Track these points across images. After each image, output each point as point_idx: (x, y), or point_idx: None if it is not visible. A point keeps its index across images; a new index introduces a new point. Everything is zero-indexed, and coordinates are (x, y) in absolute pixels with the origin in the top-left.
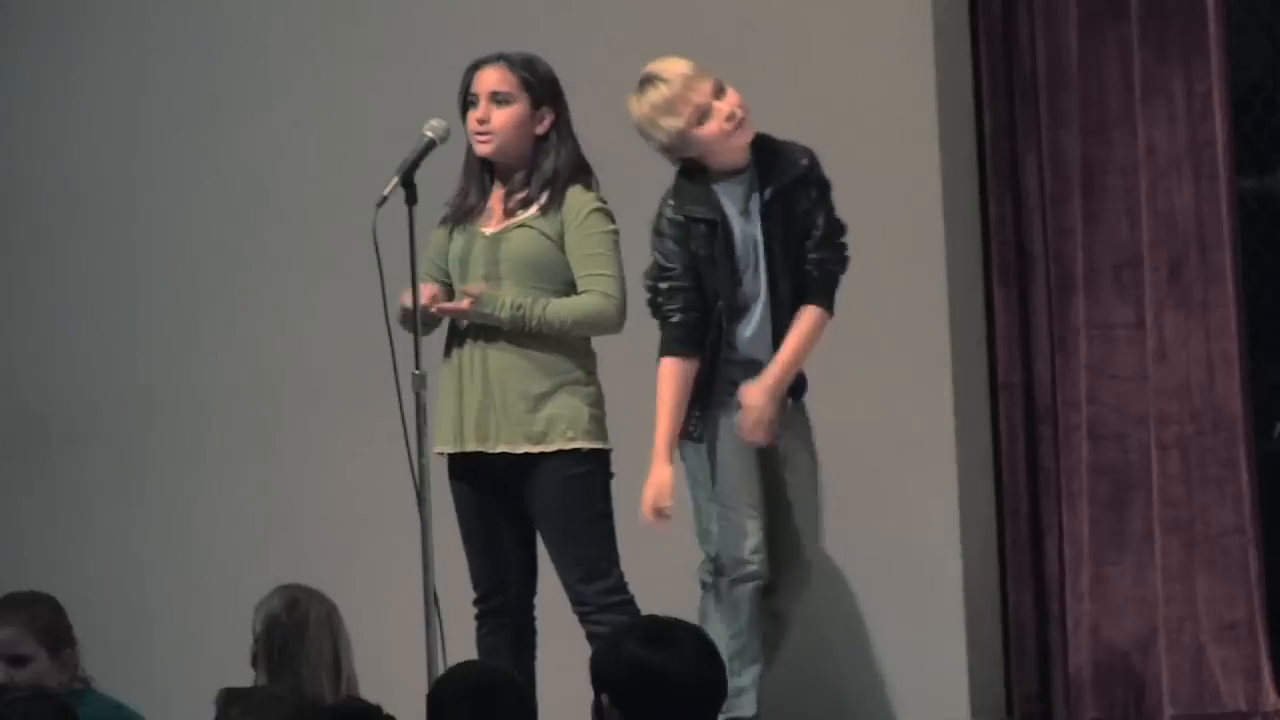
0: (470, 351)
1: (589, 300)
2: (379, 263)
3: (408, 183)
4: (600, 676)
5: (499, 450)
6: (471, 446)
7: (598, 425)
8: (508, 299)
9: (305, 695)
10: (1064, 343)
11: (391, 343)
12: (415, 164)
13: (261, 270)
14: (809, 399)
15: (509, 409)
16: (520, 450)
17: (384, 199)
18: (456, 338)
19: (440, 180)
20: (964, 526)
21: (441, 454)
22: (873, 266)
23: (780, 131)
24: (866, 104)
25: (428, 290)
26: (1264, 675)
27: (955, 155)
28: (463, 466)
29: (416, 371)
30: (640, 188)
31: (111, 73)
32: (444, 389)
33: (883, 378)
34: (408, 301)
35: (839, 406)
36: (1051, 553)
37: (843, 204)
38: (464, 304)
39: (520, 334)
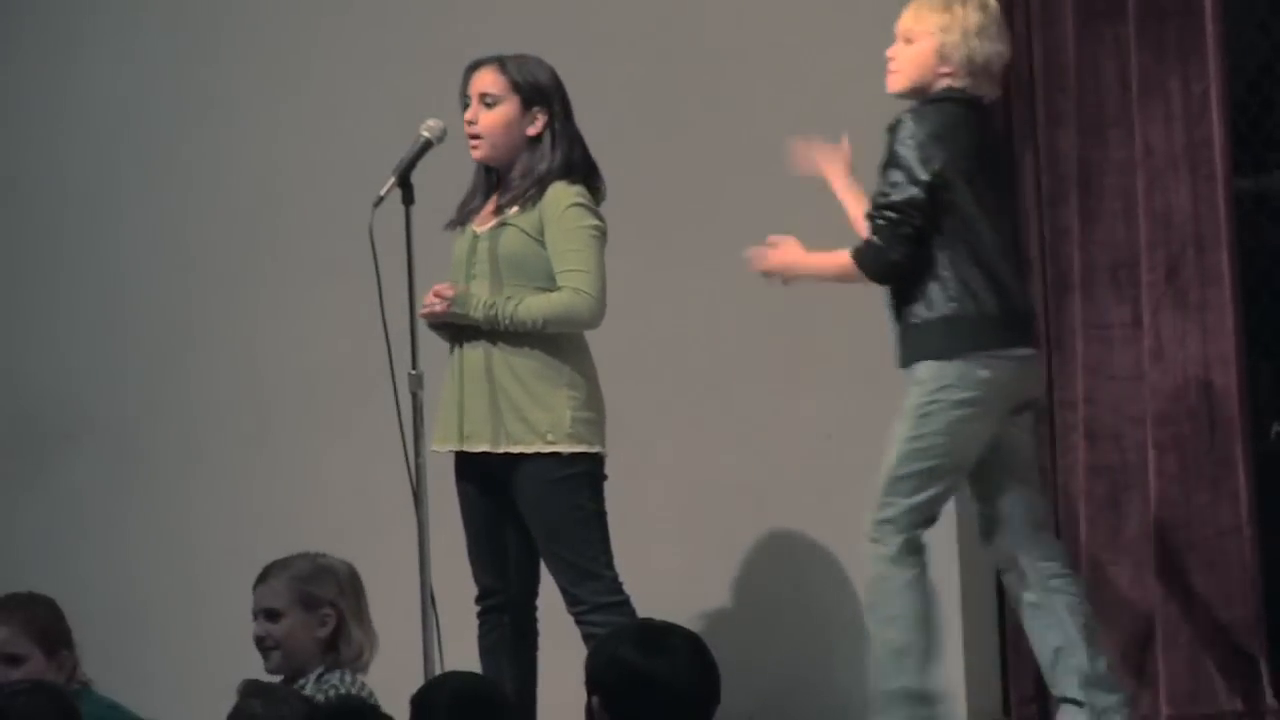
0: (460, 352)
1: (560, 296)
2: (376, 263)
3: (405, 183)
4: (593, 678)
5: (480, 450)
6: (458, 446)
7: (584, 427)
8: (481, 299)
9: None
10: (1061, 343)
11: (388, 342)
12: (412, 164)
13: (258, 270)
14: (807, 397)
15: (491, 409)
16: (500, 450)
17: (380, 199)
18: (454, 339)
19: (437, 180)
20: (960, 527)
21: (437, 451)
22: None
23: (775, 131)
24: (863, 104)
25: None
26: (1261, 676)
27: None
28: (466, 464)
29: (413, 371)
30: (634, 186)
31: (106, 73)
32: (443, 389)
33: (879, 377)
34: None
35: (835, 406)
36: None
37: (838, 203)
38: (440, 307)
39: (505, 334)
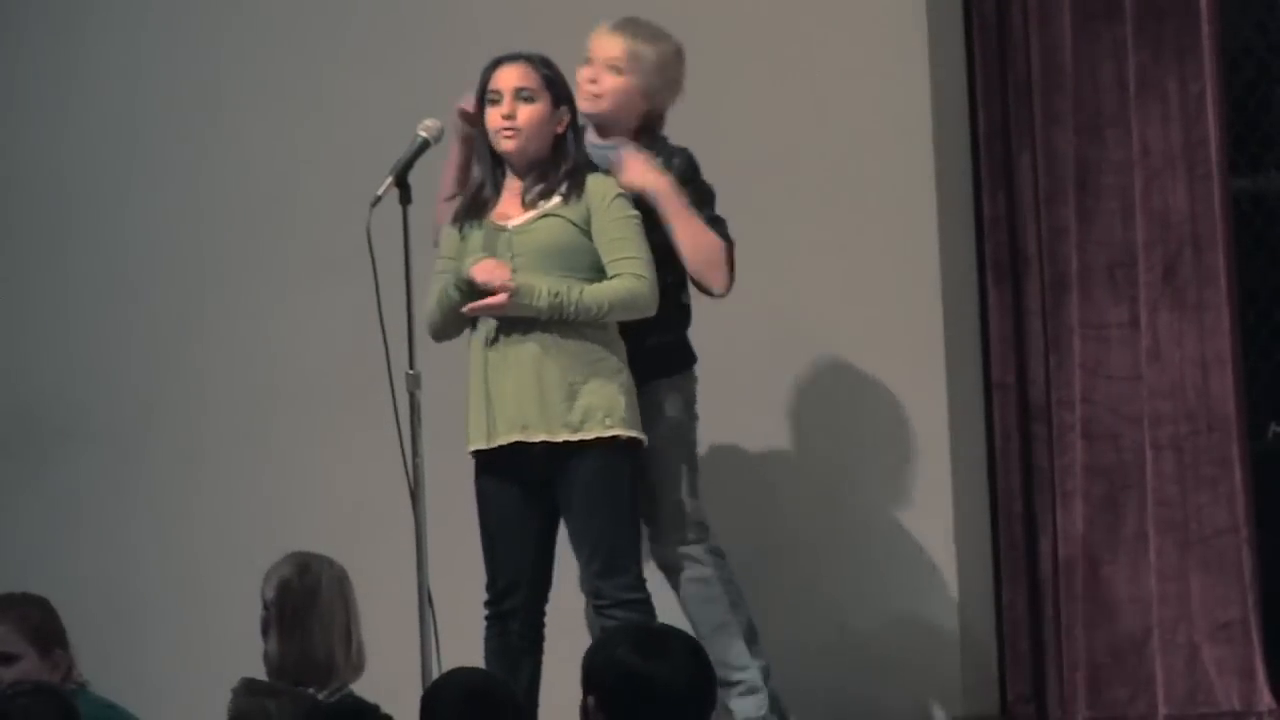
0: (502, 346)
1: (623, 283)
2: (373, 263)
3: (402, 183)
4: (590, 678)
5: (539, 440)
6: (511, 438)
7: (632, 414)
8: (544, 288)
9: (316, 659)
10: (1058, 342)
11: (385, 342)
12: (409, 164)
13: (257, 270)
14: (802, 399)
15: (546, 398)
16: (560, 439)
17: (378, 199)
18: (484, 336)
19: (435, 181)
20: (958, 526)
21: (475, 452)
22: (867, 266)
23: (774, 131)
24: (860, 104)
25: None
26: (1258, 675)
27: (949, 155)
28: (493, 464)
29: (410, 371)
30: None
31: (106, 72)
32: (474, 387)
33: (877, 378)
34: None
35: (833, 406)
36: (1046, 553)
37: (836, 204)
38: (502, 298)
39: (553, 323)
